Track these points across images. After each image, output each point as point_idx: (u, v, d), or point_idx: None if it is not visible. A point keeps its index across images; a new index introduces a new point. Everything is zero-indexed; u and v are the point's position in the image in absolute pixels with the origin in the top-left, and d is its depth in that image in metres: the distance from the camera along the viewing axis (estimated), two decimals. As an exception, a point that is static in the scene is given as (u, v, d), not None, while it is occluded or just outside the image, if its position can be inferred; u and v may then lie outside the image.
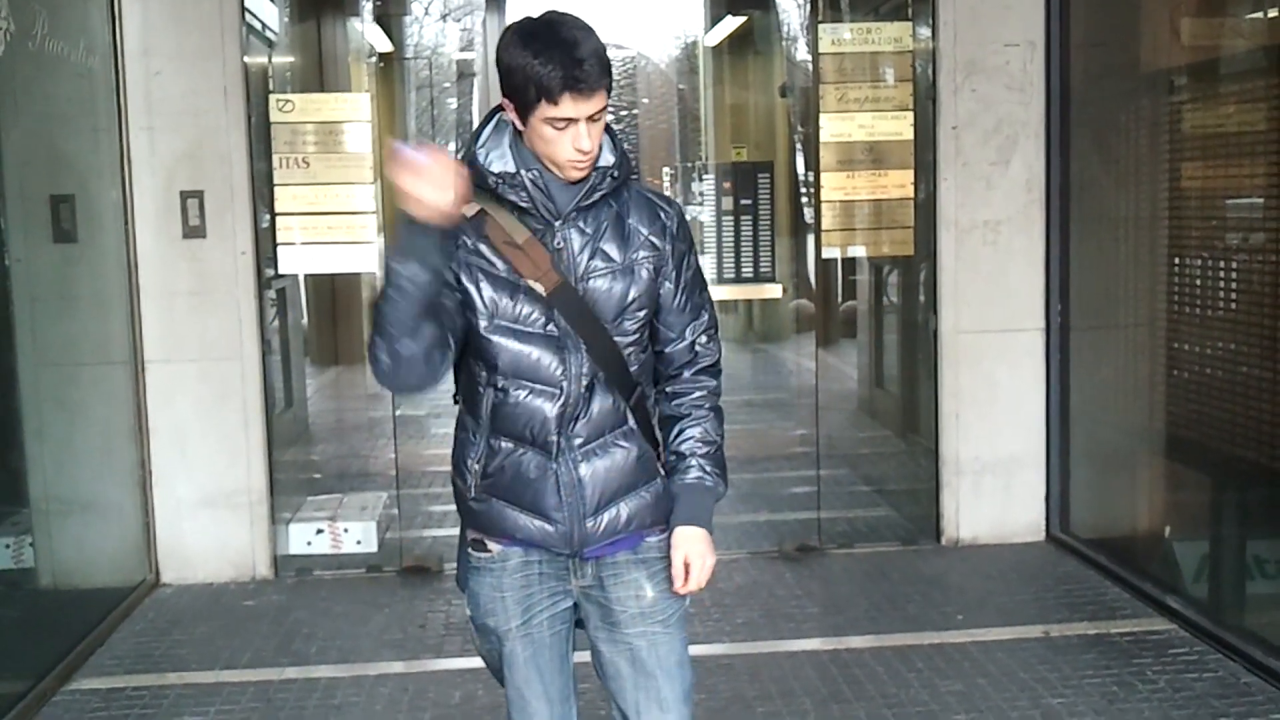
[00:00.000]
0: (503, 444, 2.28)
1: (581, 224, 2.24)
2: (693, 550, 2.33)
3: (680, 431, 2.38)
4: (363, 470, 6.90)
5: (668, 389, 2.40)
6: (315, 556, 5.47)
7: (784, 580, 5.18)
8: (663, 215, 2.32)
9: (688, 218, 2.39)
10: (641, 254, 2.28)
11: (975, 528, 5.55)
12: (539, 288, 2.20)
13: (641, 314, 2.29)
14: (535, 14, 2.17)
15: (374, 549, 5.51)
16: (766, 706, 3.96)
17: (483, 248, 2.22)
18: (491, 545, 2.35)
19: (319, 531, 5.51)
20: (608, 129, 2.26)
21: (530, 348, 2.23)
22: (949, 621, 4.67)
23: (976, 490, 5.54)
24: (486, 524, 2.33)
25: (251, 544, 5.30)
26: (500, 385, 2.25)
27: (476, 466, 2.30)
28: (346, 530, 5.51)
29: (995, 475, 5.53)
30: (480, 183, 2.21)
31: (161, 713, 4.03)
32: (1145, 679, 4.09)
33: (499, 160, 2.23)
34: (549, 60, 2.08)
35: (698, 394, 2.39)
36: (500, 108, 2.26)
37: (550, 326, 2.23)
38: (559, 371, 2.23)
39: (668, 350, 2.37)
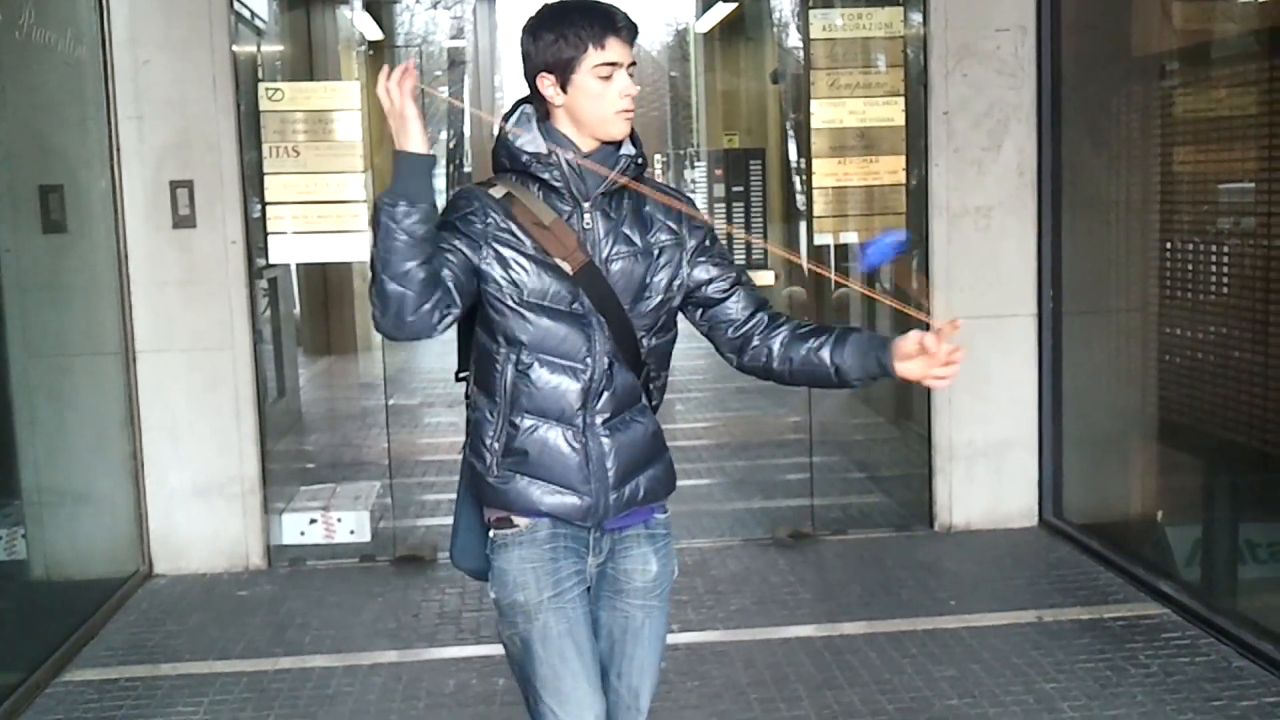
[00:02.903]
0: (525, 420, 2.33)
1: (606, 208, 2.34)
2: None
3: (814, 333, 2.38)
4: (356, 460, 6.91)
5: (774, 343, 2.40)
6: (308, 546, 5.46)
7: (777, 567, 5.19)
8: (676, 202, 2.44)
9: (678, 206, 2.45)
10: (661, 237, 2.39)
11: (968, 513, 5.56)
12: (566, 266, 2.29)
13: (657, 299, 2.37)
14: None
15: (367, 539, 5.51)
16: (760, 693, 3.96)
17: (513, 226, 2.29)
18: (518, 520, 2.37)
19: (312, 521, 5.50)
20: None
21: (558, 324, 2.30)
22: (942, 607, 4.68)
23: (969, 476, 5.55)
24: (509, 501, 2.36)
25: (244, 534, 5.29)
26: (524, 361, 2.31)
27: (496, 445, 2.35)
28: (340, 520, 5.51)
29: (988, 461, 5.54)
30: (511, 165, 2.33)
31: (155, 703, 4.02)
32: (1138, 663, 4.10)
33: (530, 143, 2.32)
34: (589, 14, 2.27)
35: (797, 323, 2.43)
36: (523, 101, 2.37)
37: (576, 305, 2.31)
38: (584, 349, 2.31)
39: (748, 324, 2.43)
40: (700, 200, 7.37)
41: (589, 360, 2.31)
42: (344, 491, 5.84)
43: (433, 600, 4.89)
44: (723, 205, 6.98)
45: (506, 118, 2.37)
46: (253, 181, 5.25)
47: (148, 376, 5.19)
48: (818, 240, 5.63)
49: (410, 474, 6.49)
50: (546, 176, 2.29)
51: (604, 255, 2.32)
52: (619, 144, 2.34)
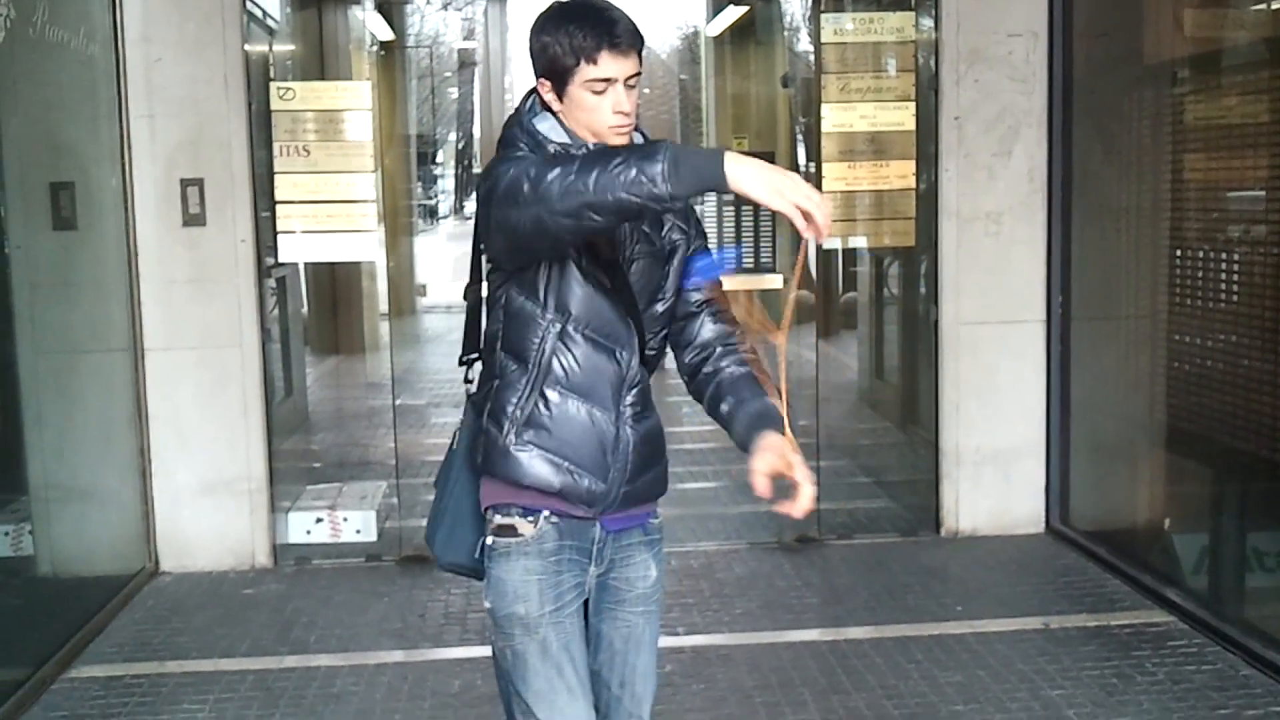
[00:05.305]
0: (556, 394, 2.24)
1: None
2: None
3: (734, 386, 2.37)
4: (362, 459, 6.90)
5: (710, 383, 2.39)
6: (314, 545, 5.47)
7: (783, 571, 5.18)
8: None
9: (690, 205, 2.43)
10: (673, 236, 2.35)
11: (975, 519, 5.55)
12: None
13: (668, 300, 2.36)
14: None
15: (373, 538, 5.51)
16: (765, 697, 3.96)
17: None
18: (524, 528, 2.28)
19: (318, 520, 5.50)
20: (637, 126, 2.32)
21: (606, 303, 2.26)
22: (948, 613, 4.67)
23: (976, 481, 5.54)
24: (520, 474, 2.25)
25: (251, 532, 5.30)
26: (569, 333, 2.23)
27: (519, 413, 2.24)
28: (346, 519, 5.51)
29: (995, 466, 5.53)
30: (531, 150, 2.25)
31: (160, 700, 4.03)
32: (1144, 671, 4.09)
33: (554, 132, 2.27)
34: (585, 24, 2.18)
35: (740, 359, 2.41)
36: (533, 91, 2.32)
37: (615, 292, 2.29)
38: (625, 335, 2.28)
39: (704, 351, 2.40)
40: (709, 203, 7.35)
41: (628, 350, 2.28)
42: (350, 491, 5.84)
43: (438, 600, 4.89)
44: (731, 208, 6.97)
45: (523, 103, 2.33)
46: (263, 180, 5.26)
47: (156, 374, 5.20)
48: (826, 245, 5.63)
49: (417, 474, 6.47)
50: None
51: (627, 254, 2.28)
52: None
